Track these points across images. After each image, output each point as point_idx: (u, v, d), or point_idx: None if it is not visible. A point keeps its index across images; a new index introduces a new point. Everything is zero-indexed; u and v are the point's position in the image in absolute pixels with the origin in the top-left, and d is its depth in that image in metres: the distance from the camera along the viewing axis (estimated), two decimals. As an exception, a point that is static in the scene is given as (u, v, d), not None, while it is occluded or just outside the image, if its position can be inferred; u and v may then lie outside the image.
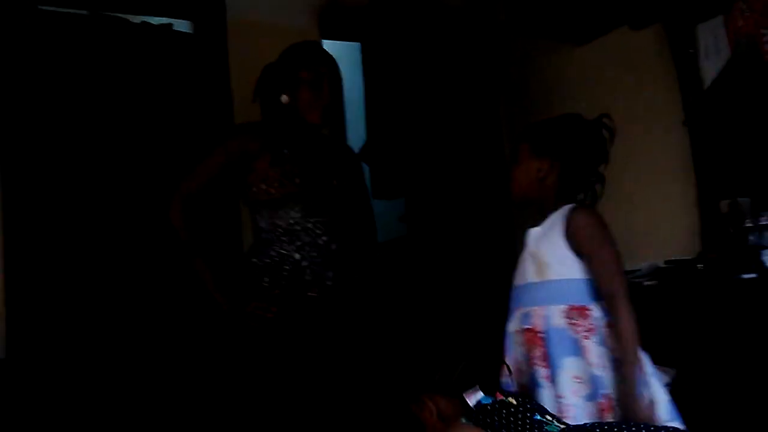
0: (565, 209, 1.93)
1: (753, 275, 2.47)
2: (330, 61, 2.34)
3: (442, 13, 3.57)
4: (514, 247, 3.62)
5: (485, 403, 1.64)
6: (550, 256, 1.90)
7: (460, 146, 3.60)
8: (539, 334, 1.87)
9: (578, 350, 1.82)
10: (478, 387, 1.68)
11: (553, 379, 1.82)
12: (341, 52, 3.59)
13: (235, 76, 3.12)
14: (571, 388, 1.80)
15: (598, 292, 1.85)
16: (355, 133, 3.42)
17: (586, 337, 1.82)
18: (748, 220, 2.74)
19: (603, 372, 1.79)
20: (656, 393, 1.80)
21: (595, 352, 1.81)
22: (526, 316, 1.92)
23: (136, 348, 2.74)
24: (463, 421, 1.64)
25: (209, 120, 3.06)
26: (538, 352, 1.87)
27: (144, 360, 2.72)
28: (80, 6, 2.86)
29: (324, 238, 2.26)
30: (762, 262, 2.50)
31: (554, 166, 1.97)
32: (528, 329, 1.90)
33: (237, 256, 2.47)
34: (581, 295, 1.86)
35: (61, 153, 2.77)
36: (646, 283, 2.82)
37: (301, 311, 2.23)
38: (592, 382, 1.79)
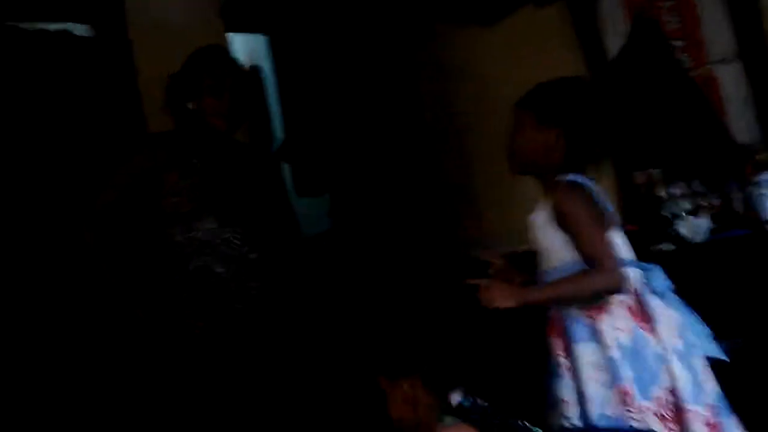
0: (554, 191, 1.81)
1: (671, 247, 2.57)
2: (233, 66, 2.29)
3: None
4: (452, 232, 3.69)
5: (465, 405, 1.63)
6: (549, 242, 1.82)
7: (382, 134, 3.56)
8: (557, 324, 1.83)
9: (593, 335, 1.76)
10: (462, 388, 1.66)
11: (572, 368, 1.78)
12: (255, 45, 3.53)
13: (143, 79, 3.00)
14: (590, 375, 1.75)
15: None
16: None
17: (597, 318, 1.75)
18: (661, 191, 2.85)
19: (619, 354, 1.72)
20: (676, 371, 1.72)
21: (609, 334, 1.74)
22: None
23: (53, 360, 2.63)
24: (447, 419, 1.62)
25: (120, 127, 2.93)
26: (558, 342, 1.83)
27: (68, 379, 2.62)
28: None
29: (244, 248, 2.21)
30: (677, 232, 2.60)
31: (561, 135, 1.81)
32: (551, 317, 1.87)
33: (156, 272, 2.40)
34: None
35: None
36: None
37: (228, 325, 2.18)
38: (610, 366, 1.73)
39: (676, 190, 2.81)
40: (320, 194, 3.34)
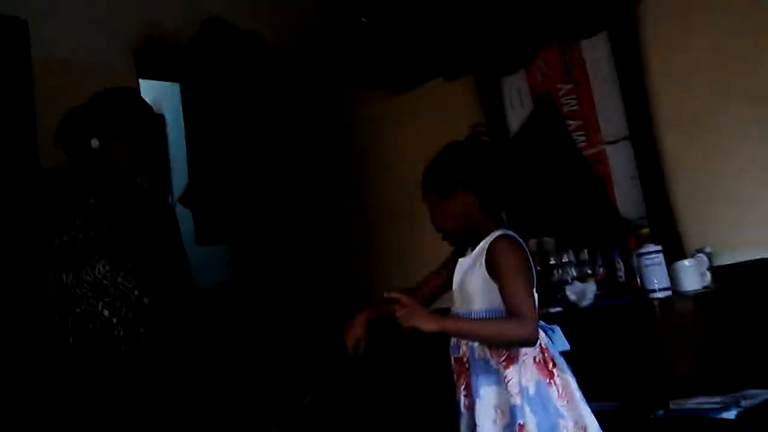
0: (489, 237, 1.89)
1: (559, 309, 2.68)
2: (145, 109, 2.28)
3: (265, 55, 3.58)
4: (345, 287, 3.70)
5: None
6: (474, 285, 1.90)
7: (287, 188, 3.57)
8: (465, 364, 1.90)
9: (498, 380, 1.83)
10: None
11: (471, 407, 1.85)
12: (160, 92, 3.51)
13: (43, 117, 2.92)
14: (491, 417, 1.82)
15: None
16: (181, 178, 3.31)
17: (506, 367, 1.82)
18: (552, 258, 2.98)
19: (519, 401, 1.80)
20: (586, 418, 1.82)
21: (514, 382, 1.81)
22: (457, 346, 1.94)
23: None
24: None
25: (13, 164, 2.84)
26: (462, 381, 1.90)
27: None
28: None
29: (135, 292, 2.16)
30: (566, 296, 2.71)
31: (468, 194, 1.91)
32: (457, 358, 1.93)
33: (40, 315, 2.29)
34: None
35: None
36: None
37: (112, 370, 2.10)
38: (511, 412, 1.80)
39: (566, 258, 2.94)
40: (221, 242, 3.30)
